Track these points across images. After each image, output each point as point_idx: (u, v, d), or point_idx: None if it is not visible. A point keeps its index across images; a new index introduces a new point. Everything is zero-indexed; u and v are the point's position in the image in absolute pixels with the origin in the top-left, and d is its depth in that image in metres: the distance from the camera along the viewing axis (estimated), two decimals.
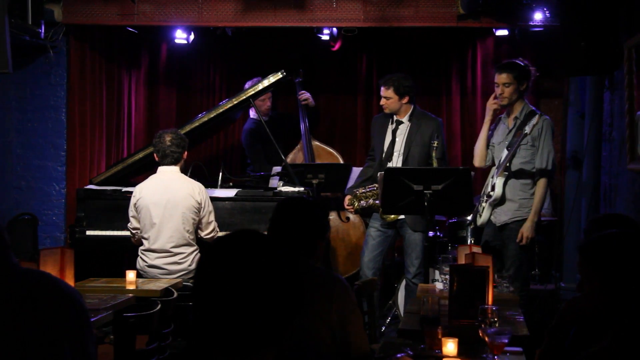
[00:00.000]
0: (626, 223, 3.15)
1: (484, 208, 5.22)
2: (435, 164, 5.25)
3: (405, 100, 5.62)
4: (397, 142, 5.67)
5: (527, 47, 6.51)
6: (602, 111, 5.86)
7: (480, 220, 5.26)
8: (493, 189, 5.14)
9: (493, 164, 5.30)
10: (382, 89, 5.63)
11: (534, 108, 5.28)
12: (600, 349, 2.21)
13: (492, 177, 5.22)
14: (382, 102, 5.65)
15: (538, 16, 5.87)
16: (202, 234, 5.03)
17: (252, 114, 6.67)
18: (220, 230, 5.41)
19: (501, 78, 5.17)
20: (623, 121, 5.08)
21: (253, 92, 5.93)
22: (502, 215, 5.17)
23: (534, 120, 4.94)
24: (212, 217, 5.07)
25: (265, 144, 6.08)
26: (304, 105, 6.71)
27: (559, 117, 6.72)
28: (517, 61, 5.26)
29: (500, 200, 5.15)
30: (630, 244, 2.60)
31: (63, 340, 1.78)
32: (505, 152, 5.14)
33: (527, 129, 4.95)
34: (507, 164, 5.10)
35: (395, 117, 5.69)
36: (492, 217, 5.22)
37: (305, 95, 6.70)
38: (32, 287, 1.81)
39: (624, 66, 4.97)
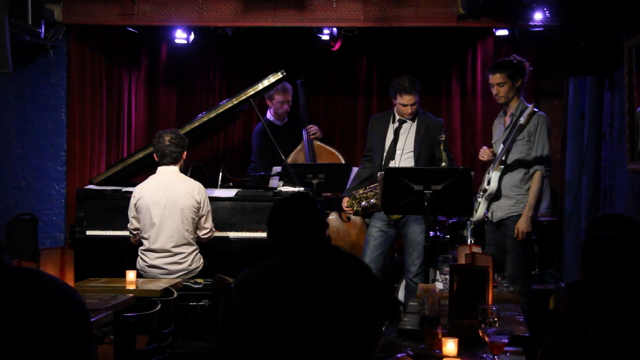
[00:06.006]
0: (626, 223, 3.15)
1: (479, 203, 5.24)
2: (444, 158, 5.25)
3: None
4: (400, 141, 5.65)
5: (527, 47, 6.51)
6: (602, 111, 5.85)
7: (477, 216, 5.29)
8: (489, 183, 5.18)
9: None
10: (407, 97, 5.51)
11: (529, 105, 5.31)
12: None
13: (488, 173, 5.25)
14: (408, 110, 5.55)
15: (538, 16, 5.87)
16: (200, 233, 5.05)
17: (269, 114, 6.68)
18: (220, 231, 5.42)
19: (495, 79, 5.23)
20: (623, 121, 5.07)
21: (253, 92, 5.92)
22: (498, 211, 5.21)
23: (529, 110, 4.96)
24: (209, 217, 5.08)
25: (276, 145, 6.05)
26: (306, 112, 6.72)
27: (559, 117, 6.72)
28: (509, 59, 5.29)
29: (496, 196, 5.18)
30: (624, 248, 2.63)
31: (61, 339, 1.76)
32: (502, 146, 5.17)
33: (522, 120, 4.98)
34: (503, 158, 5.13)
35: (397, 116, 5.68)
36: (488, 214, 5.25)
37: (313, 129, 6.71)
38: (25, 286, 1.79)
39: (624, 66, 4.96)
